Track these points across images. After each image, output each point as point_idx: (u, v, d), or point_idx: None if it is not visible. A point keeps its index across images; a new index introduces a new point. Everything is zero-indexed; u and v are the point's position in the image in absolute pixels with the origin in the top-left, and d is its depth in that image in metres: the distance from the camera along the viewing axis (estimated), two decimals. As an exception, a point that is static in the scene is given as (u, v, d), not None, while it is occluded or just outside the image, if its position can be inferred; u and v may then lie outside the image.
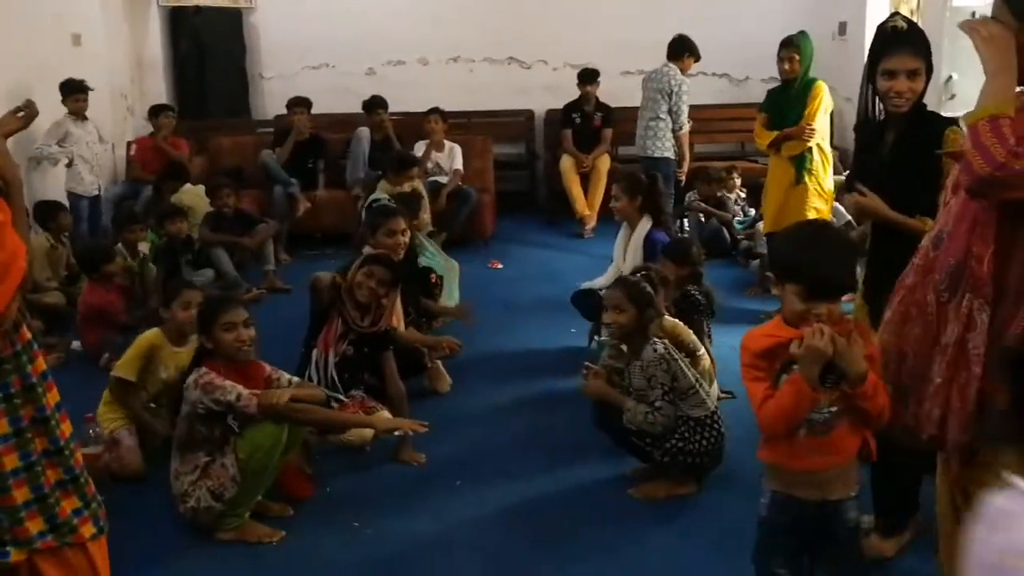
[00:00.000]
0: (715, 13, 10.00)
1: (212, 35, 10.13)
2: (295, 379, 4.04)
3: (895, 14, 3.58)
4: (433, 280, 6.09)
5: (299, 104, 8.93)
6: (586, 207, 9.38)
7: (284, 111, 9.29)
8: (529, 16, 10.25)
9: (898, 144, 3.49)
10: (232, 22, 10.24)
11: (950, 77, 7.31)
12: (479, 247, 8.70)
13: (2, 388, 2.51)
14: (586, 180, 9.47)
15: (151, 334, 4.47)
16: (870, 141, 3.61)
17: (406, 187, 7.17)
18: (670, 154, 8.22)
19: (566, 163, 9.50)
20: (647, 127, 8.23)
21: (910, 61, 3.36)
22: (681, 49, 8.13)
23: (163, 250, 7.01)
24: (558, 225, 9.56)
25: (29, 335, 2.62)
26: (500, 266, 8.11)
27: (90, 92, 7.77)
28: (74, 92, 7.56)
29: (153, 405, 4.50)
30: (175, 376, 4.32)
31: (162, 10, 10.04)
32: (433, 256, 6.50)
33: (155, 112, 8.78)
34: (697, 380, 4.05)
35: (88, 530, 2.67)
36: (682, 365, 3.99)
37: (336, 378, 4.52)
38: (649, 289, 4.13)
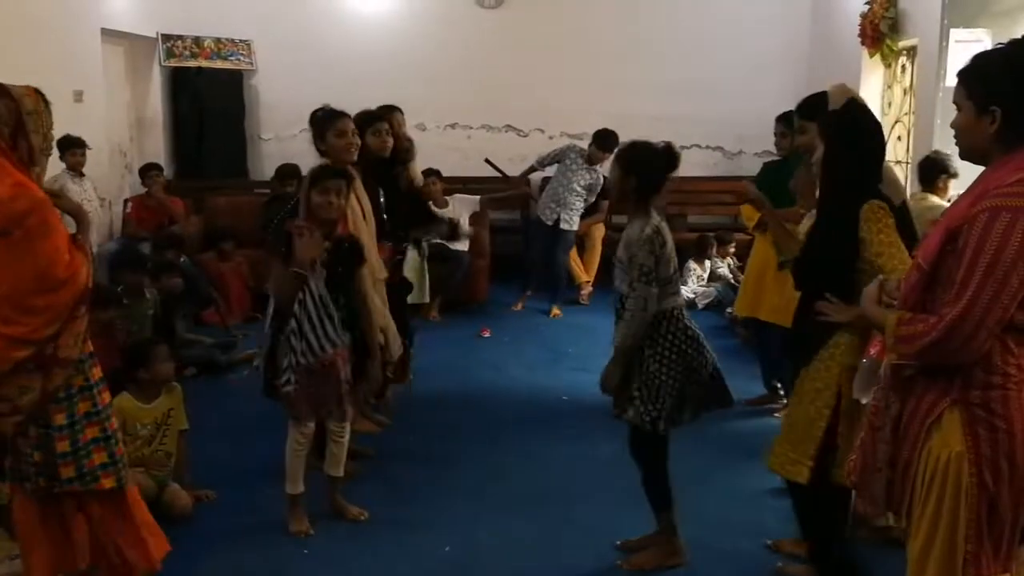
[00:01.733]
0: (711, 86, 10.15)
1: (213, 96, 10.21)
2: None
3: None
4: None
5: (292, 175, 8.88)
6: (583, 273, 9.42)
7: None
8: (526, 85, 10.39)
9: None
10: (233, 83, 10.34)
11: (943, 155, 7.40)
12: (472, 312, 8.70)
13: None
14: (581, 247, 9.51)
15: (117, 400, 4.32)
16: None
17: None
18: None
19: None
20: (565, 200, 8.73)
21: None
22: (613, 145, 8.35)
23: (158, 305, 6.90)
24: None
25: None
26: (488, 334, 8.11)
27: (89, 150, 7.79)
28: (71, 147, 7.52)
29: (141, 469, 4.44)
30: (151, 431, 4.55)
31: (164, 70, 10.14)
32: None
33: (143, 172, 8.83)
34: (675, 272, 3.91)
35: (109, 482, 3.28)
36: (669, 251, 3.84)
37: (324, 301, 4.17)
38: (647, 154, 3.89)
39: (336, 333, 4.18)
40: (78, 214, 3.25)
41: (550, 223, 8.78)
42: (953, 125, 2.51)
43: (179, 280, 7.06)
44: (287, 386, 4.12)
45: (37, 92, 3.24)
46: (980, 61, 2.46)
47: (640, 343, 3.80)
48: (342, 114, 4.86)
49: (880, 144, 3.53)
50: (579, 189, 8.73)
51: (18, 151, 3.09)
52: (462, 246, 8.84)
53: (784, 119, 6.01)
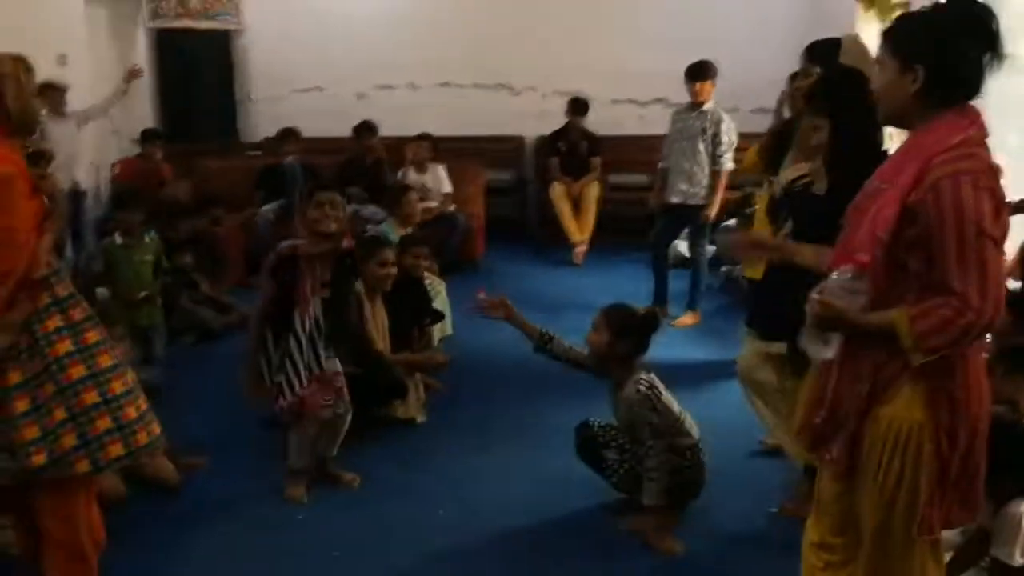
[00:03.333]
0: (706, 42, 9.96)
1: (200, 57, 10.07)
2: None
3: None
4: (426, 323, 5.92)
5: (290, 135, 8.85)
6: (577, 233, 9.32)
7: (272, 134, 9.25)
8: (519, 43, 10.21)
9: None
10: (220, 44, 10.18)
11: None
12: (468, 274, 8.56)
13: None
14: (576, 207, 9.42)
15: None
16: None
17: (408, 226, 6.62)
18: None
19: (557, 190, 9.42)
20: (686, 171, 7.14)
21: None
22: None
23: (169, 283, 6.76)
24: (548, 252, 9.50)
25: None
26: (484, 296, 7.88)
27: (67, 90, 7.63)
28: (48, 89, 7.07)
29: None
30: None
31: (149, 32, 9.99)
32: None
33: (144, 137, 8.76)
34: (680, 409, 4.02)
35: (83, 466, 3.01)
36: (664, 401, 3.95)
37: (319, 325, 4.23)
38: (634, 324, 4.06)
39: (326, 353, 4.24)
40: (52, 198, 3.12)
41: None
42: (874, 86, 2.52)
43: (190, 257, 7.06)
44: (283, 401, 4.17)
45: (16, 58, 3.09)
46: (905, 20, 2.51)
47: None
48: (384, 241, 5.37)
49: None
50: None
51: None
52: (452, 207, 8.79)
53: (794, 76, 5.85)
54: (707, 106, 7.07)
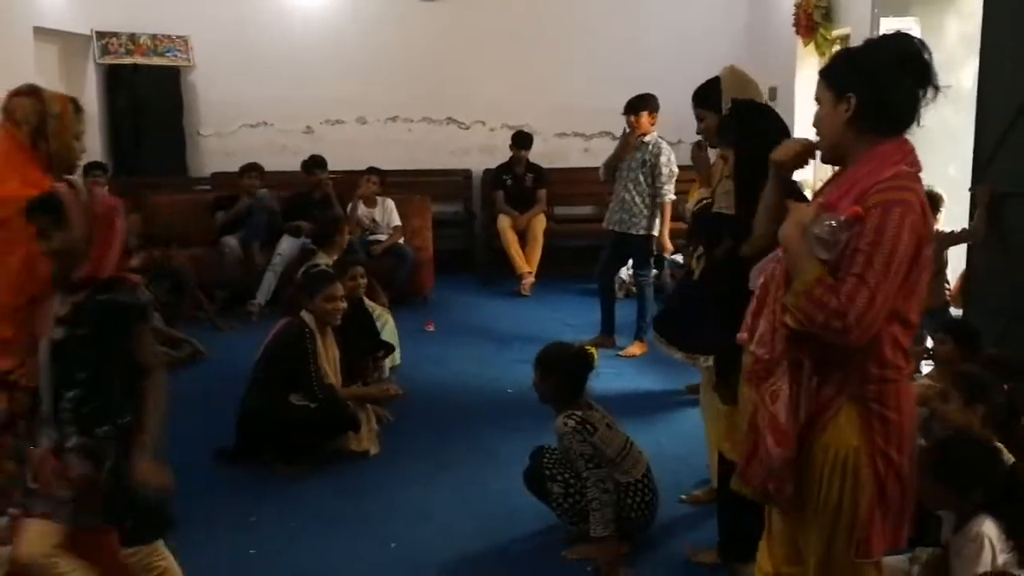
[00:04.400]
0: (650, 77, 10.18)
1: (150, 92, 10.06)
2: None
3: None
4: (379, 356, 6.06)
5: (252, 169, 8.89)
6: (525, 264, 9.46)
7: (221, 169, 9.30)
8: (468, 78, 10.41)
9: None
10: (170, 80, 10.19)
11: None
12: (417, 306, 8.71)
13: None
14: (523, 239, 9.58)
15: None
16: None
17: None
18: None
19: (503, 222, 9.60)
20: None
21: None
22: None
23: None
24: (496, 284, 9.65)
25: None
26: (433, 328, 8.11)
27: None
28: None
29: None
30: None
31: (99, 67, 9.99)
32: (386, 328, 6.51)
33: (86, 171, 8.74)
34: (624, 447, 4.08)
35: None
36: (599, 439, 4.00)
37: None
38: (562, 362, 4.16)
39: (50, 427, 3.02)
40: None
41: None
42: (815, 124, 2.59)
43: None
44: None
45: (67, 99, 3.25)
46: (840, 55, 2.66)
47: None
48: (333, 276, 5.35)
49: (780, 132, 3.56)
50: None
51: (39, 152, 3.10)
52: (401, 240, 8.95)
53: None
54: (647, 138, 7.22)
